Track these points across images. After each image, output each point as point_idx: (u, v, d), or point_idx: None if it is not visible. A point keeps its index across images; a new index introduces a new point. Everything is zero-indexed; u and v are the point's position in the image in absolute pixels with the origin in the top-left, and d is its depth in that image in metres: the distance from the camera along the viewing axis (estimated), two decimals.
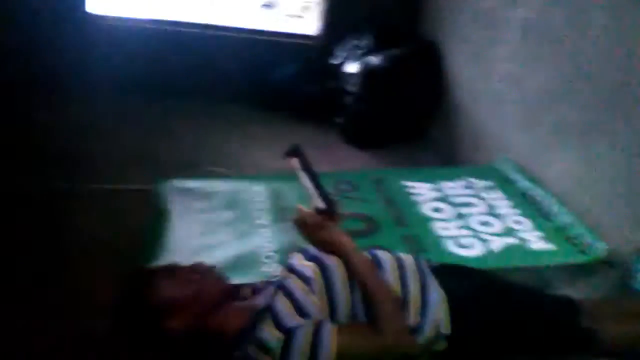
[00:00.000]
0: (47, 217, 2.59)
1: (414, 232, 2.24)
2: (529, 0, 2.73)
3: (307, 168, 1.36)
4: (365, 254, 1.39)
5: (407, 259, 1.44)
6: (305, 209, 1.35)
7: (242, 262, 1.97)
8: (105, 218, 2.58)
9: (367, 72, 3.62)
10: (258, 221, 2.26)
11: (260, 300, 1.31)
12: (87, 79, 3.82)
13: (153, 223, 2.19)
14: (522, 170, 2.69)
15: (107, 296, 1.25)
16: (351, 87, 3.71)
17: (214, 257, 1.99)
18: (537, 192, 2.51)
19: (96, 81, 3.82)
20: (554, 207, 2.38)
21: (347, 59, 3.91)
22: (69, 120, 3.52)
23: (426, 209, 2.42)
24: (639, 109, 2.02)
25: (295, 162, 1.36)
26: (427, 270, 1.43)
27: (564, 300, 1.55)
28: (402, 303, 1.31)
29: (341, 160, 3.60)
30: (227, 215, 2.29)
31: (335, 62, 4.00)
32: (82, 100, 3.74)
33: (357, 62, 3.71)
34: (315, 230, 1.31)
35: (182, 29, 4.17)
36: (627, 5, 2.09)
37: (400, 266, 1.39)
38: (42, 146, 3.20)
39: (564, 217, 2.30)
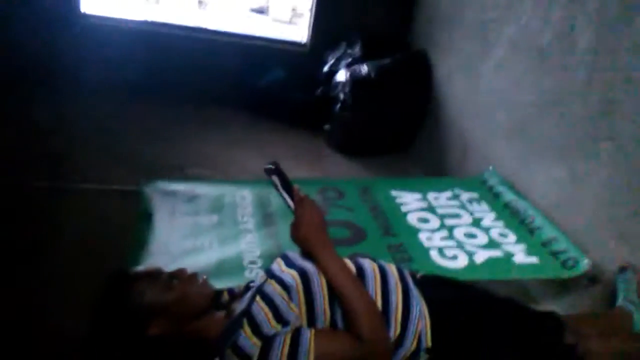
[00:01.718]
0: (30, 216, 2.53)
1: (400, 241, 2.23)
2: (518, 15, 2.75)
3: (285, 186, 1.35)
4: (349, 262, 1.37)
5: (391, 268, 1.42)
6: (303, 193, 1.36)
7: (226, 267, 1.95)
8: (89, 218, 2.53)
9: (356, 81, 3.62)
10: (242, 226, 2.23)
11: (239, 306, 1.28)
12: (79, 78, 3.79)
13: (137, 225, 2.16)
14: (508, 183, 2.70)
15: (89, 297, 1.22)
16: (339, 95, 3.70)
17: (197, 261, 1.97)
18: (522, 205, 2.51)
19: (87, 80, 3.79)
20: (539, 221, 2.39)
21: (336, 66, 3.92)
22: (57, 119, 3.48)
23: (412, 219, 2.41)
24: (625, 126, 2.04)
25: (275, 179, 1.35)
26: (411, 281, 1.41)
27: (547, 315, 1.54)
28: (384, 313, 1.29)
29: (328, 167, 3.59)
30: (212, 219, 2.27)
31: (324, 69, 4.00)
32: (72, 99, 3.70)
33: (346, 70, 3.71)
34: (307, 222, 1.30)
35: (174, 32, 4.17)
36: (613, 24, 2.11)
37: (383, 275, 1.37)
38: (28, 144, 3.14)
39: (548, 231, 2.30)
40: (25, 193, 2.67)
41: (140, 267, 1.29)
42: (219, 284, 1.47)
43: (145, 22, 4.17)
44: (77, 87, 3.75)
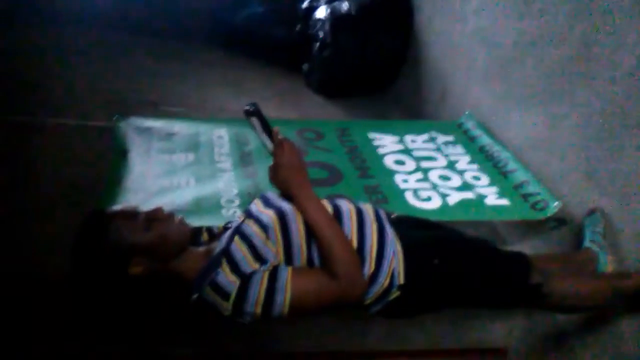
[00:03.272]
0: (4, 151, 2.46)
1: (376, 182, 2.26)
2: None
3: (264, 128, 1.33)
4: (326, 202, 1.39)
5: (367, 208, 1.44)
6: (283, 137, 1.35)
7: (203, 205, 1.95)
8: (64, 154, 2.48)
9: (336, 18, 3.53)
10: (219, 165, 2.22)
11: (217, 245, 1.30)
12: (55, 8, 3.61)
13: (112, 162, 2.12)
14: (484, 127, 2.72)
15: (67, 235, 1.21)
16: (319, 33, 3.61)
17: (174, 199, 1.97)
18: (497, 149, 2.55)
19: (63, 12, 3.61)
20: (512, 164, 2.43)
21: (316, 2, 3.80)
22: (34, 49, 3.33)
23: (389, 161, 2.43)
24: (600, 69, 2.05)
25: (254, 121, 1.33)
26: (386, 221, 1.44)
27: (516, 255, 1.60)
28: (359, 251, 1.32)
29: (306, 108, 3.56)
30: (188, 157, 2.25)
31: (304, 5, 3.87)
32: (49, 30, 3.54)
33: (326, 7, 3.61)
34: (286, 163, 1.31)
35: None
36: None
37: (359, 215, 1.39)
38: (2, 74, 3.01)
39: (521, 174, 2.35)
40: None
41: (118, 206, 1.28)
42: (196, 222, 1.48)
43: None
44: (45, 22, 3.58)
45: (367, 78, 3.82)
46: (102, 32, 3.66)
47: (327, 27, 3.53)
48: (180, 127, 2.43)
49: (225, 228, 1.42)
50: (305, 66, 3.84)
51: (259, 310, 1.16)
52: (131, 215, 1.24)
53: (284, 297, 1.17)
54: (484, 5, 2.84)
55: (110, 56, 3.55)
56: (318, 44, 3.63)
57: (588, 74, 2.12)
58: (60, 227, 1.36)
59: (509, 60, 2.63)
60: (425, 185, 2.29)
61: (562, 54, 2.27)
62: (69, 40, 3.56)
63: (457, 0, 3.11)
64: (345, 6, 3.54)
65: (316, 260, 1.28)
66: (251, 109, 1.32)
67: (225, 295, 1.15)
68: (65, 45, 3.50)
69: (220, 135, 2.43)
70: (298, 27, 3.84)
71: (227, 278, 1.17)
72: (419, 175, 2.36)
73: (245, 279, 1.17)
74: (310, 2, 3.85)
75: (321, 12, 3.61)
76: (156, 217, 1.25)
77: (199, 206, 1.94)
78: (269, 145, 1.35)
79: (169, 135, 2.36)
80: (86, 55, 3.47)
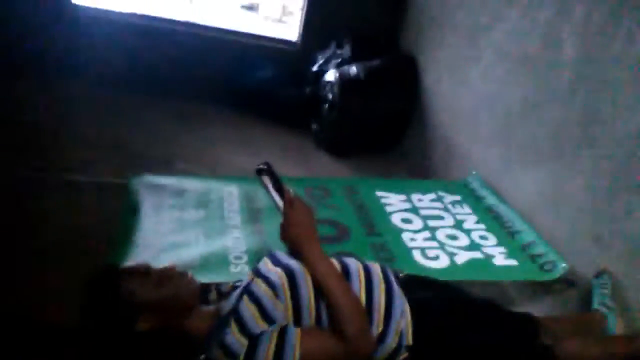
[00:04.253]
0: (15, 206, 2.51)
1: (384, 241, 2.27)
2: (505, 22, 2.81)
3: (276, 186, 1.37)
4: (334, 260, 1.40)
5: (375, 267, 1.45)
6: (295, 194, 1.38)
7: (211, 261, 1.97)
8: (76, 210, 2.52)
9: (345, 81, 3.65)
10: (229, 221, 2.25)
11: (226, 304, 1.30)
12: (67, 68, 3.77)
13: (124, 218, 2.16)
14: (490, 187, 2.76)
15: (77, 291, 1.23)
16: (328, 95, 3.74)
17: (183, 255, 1.98)
18: (503, 209, 2.57)
19: (76, 71, 3.77)
20: (519, 225, 2.45)
21: (325, 66, 3.95)
22: (46, 108, 3.45)
23: (396, 219, 2.45)
24: (605, 134, 2.10)
25: (265, 179, 1.37)
26: (394, 280, 1.44)
27: (524, 317, 1.59)
28: (367, 311, 1.32)
29: (314, 166, 3.61)
30: (198, 213, 2.28)
31: (314, 68, 4.02)
32: (61, 90, 3.67)
33: (335, 71, 3.74)
34: (297, 222, 1.33)
35: (164, 25, 4.15)
36: (597, 35, 2.17)
37: (367, 274, 1.40)
38: (14, 132, 3.11)
39: (528, 235, 2.36)
40: (9, 183, 2.65)
41: (129, 263, 1.30)
42: (204, 279, 1.49)
43: (135, 15, 4.15)
44: (65, 78, 3.73)
45: (373, 138, 3.91)
46: (116, 91, 3.79)
47: (335, 89, 3.66)
48: (191, 185, 2.49)
49: (234, 287, 1.43)
50: (314, 126, 3.94)
51: None
52: (143, 271, 1.26)
53: (293, 358, 1.16)
54: (489, 69, 2.94)
55: (123, 115, 3.66)
56: (327, 105, 3.74)
57: (592, 136, 2.17)
58: (71, 284, 1.37)
59: (513, 122, 2.70)
60: (433, 244, 2.30)
61: (565, 116, 2.33)
62: (86, 98, 3.68)
63: (462, 65, 3.22)
64: (353, 70, 3.68)
65: (325, 320, 1.28)
66: (264, 167, 1.37)
67: (233, 356, 1.15)
68: (81, 101, 3.63)
69: (230, 192, 2.47)
70: (308, 89, 3.97)
71: (235, 338, 1.17)
72: (427, 234, 2.37)
73: (254, 340, 1.17)
74: (320, 65, 4.00)
75: (330, 76, 3.75)
76: (168, 275, 1.27)
77: (207, 263, 1.95)
78: (280, 203, 1.38)
79: (180, 192, 2.41)
80: (101, 114, 3.59)
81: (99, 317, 1.21)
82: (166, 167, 2.96)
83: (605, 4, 2.15)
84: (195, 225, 2.20)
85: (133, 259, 1.84)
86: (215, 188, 2.48)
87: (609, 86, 2.10)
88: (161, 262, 1.32)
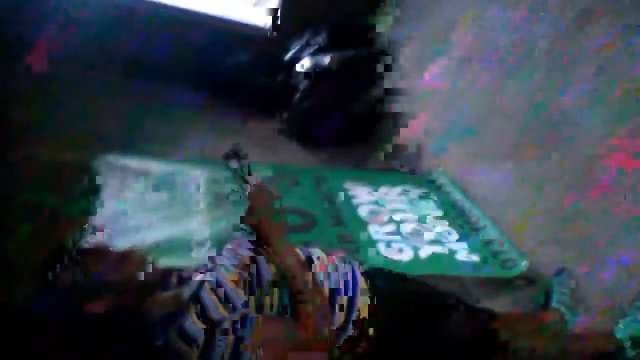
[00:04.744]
0: None
1: (349, 232, 2.27)
2: (478, 19, 2.82)
3: (244, 171, 1.35)
4: (298, 250, 1.39)
5: (339, 258, 1.45)
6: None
7: (173, 246, 1.94)
8: (38, 188, 2.43)
9: (317, 71, 3.62)
10: (193, 206, 2.21)
11: (187, 290, 1.27)
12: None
13: (85, 198, 2.09)
14: (456, 183, 2.79)
15: (33, 270, 1.18)
16: (299, 84, 3.70)
17: (145, 238, 1.94)
18: (468, 205, 2.60)
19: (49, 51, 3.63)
20: (482, 221, 2.48)
21: (299, 54, 3.90)
22: (15, 86, 3.31)
23: (363, 211, 2.46)
24: (570, 134, 2.14)
25: (234, 164, 1.35)
26: (357, 272, 1.44)
27: (483, 312, 1.61)
28: (329, 301, 1.32)
29: (283, 155, 3.58)
30: (162, 196, 2.23)
31: (287, 56, 3.98)
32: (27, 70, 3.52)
33: (309, 59, 3.71)
34: (262, 208, 1.31)
35: (136, 5, 4.02)
36: (567, 35, 2.21)
37: (331, 264, 1.40)
38: None
39: (491, 232, 2.40)
40: None
41: (87, 244, 1.25)
42: (166, 262, 1.45)
43: None
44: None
45: (344, 129, 3.89)
46: (83, 71, 3.66)
47: (307, 79, 3.63)
48: (156, 167, 2.43)
49: (196, 272, 1.40)
50: (285, 115, 3.91)
51: (226, 358, 1.13)
52: (102, 253, 1.21)
53: (252, 345, 1.14)
54: (459, 67, 2.96)
55: (88, 94, 3.54)
56: (298, 94, 3.71)
57: (558, 136, 2.21)
58: (28, 262, 1.32)
59: (481, 120, 2.73)
60: (397, 237, 2.31)
61: (532, 117, 2.37)
62: (52, 76, 3.55)
63: (435, 59, 3.23)
64: (326, 60, 3.65)
65: (287, 308, 1.26)
66: (233, 151, 1.34)
67: (191, 342, 1.13)
68: (46, 80, 3.50)
69: (196, 176, 2.43)
70: (280, 77, 3.93)
71: (194, 325, 1.14)
72: (392, 227, 2.38)
73: (214, 326, 1.14)
74: (294, 53, 3.96)
75: (303, 65, 3.71)
76: (127, 257, 1.23)
77: (169, 246, 1.93)
78: (247, 188, 1.36)
79: (145, 174, 2.35)
80: (64, 94, 3.46)
81: (54, 298, 1.16)
82: (131, 148, 2.88)
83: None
84: (158, 208, 2.16)
85: (91, 240, 1.78)
86: (180, 171, 2.44)
87: (576, 86, 2.14)
88: (121, 244, 1.28)
